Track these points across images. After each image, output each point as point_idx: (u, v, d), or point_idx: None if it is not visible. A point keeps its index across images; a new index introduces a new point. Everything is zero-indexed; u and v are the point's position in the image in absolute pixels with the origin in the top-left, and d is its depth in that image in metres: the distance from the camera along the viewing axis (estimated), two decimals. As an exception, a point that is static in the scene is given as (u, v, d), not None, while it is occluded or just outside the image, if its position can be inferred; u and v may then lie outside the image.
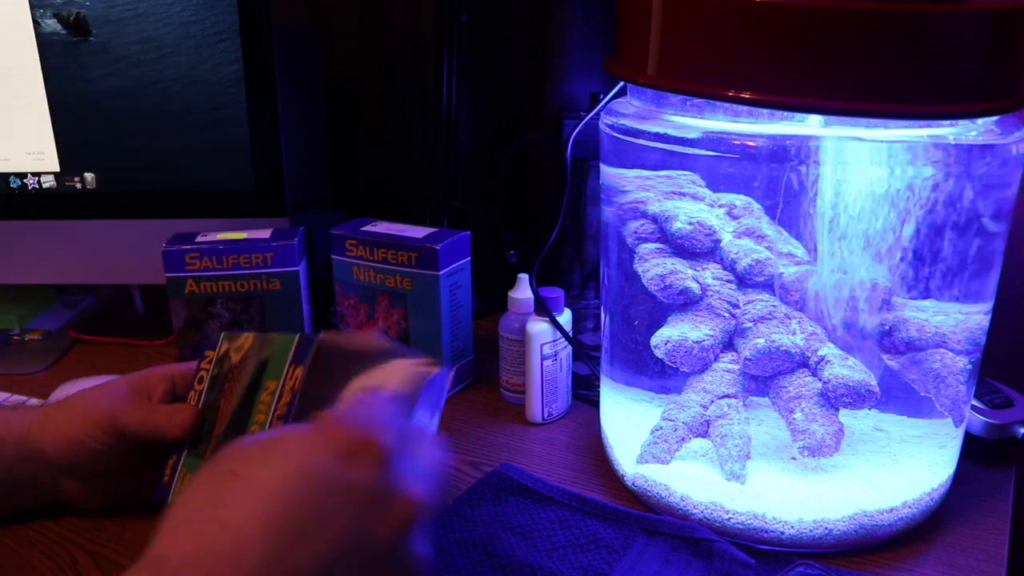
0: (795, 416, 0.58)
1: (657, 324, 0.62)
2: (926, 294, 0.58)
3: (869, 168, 0.53)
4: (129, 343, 0.93)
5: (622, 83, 0.62)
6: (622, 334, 0.67)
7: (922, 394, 0.59)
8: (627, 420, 0.67)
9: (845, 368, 0.57)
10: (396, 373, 0.48)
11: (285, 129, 0.84)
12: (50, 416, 0.58)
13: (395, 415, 0.44)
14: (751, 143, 0.53)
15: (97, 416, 0.57)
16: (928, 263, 0.56)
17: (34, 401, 0.77)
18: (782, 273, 0.60)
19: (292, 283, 0.79)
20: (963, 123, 0.52)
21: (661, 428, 0.61)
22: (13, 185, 0.88)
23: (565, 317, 0.75)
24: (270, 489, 0.37)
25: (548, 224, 0.80)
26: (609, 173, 0.65)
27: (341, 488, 0.38)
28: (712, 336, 0.60)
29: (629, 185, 0.64)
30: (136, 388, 0.59)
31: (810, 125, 0.52)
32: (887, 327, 0.59)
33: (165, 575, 0.34)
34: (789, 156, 0.54)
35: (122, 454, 0.57)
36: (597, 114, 0.64)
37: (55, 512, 0.62)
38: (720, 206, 0.63)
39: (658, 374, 0.64)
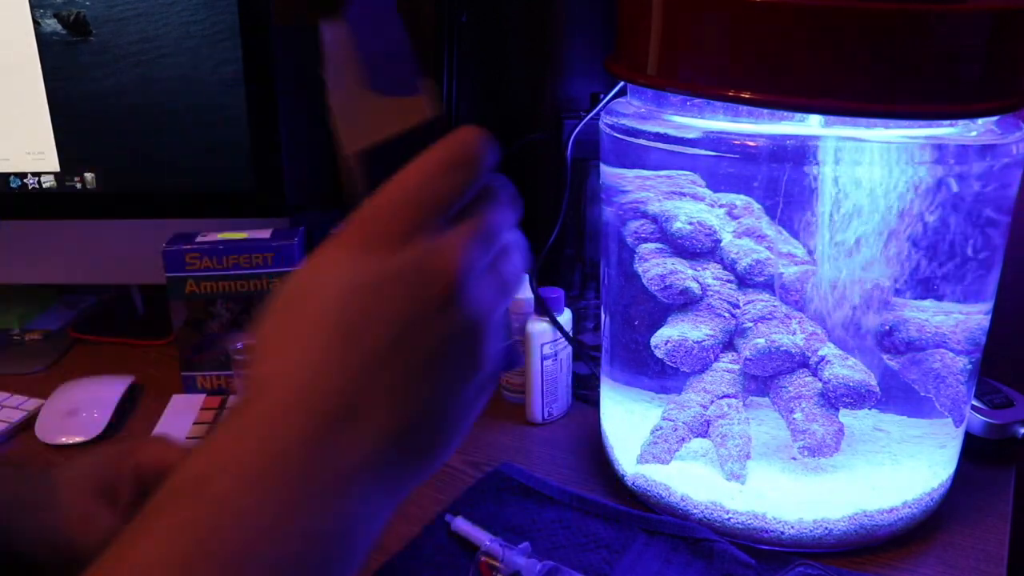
0: (795, 416, 0.58)
1: (657, 324, 0.62)
2: (926, 294, 0.58)
3: (869, 168, 0.53)
4: (129, 343, 0.93)
5: (622, 83, 0.62)
6: (622, 334, 0.67)
7: (922, 394, 0.59)
8: (627, 420, 0.67)
9: (845, 368, 0.57)
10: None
11: (285, 129, 0.84)
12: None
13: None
14: (751, 143, 0.53)
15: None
16: (928, 263, 0.56)
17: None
18: (782, 273, 0.60)
19: (292, 283, 0.79)
20: (963, 123, 0.52)
21: (661, 428, 0.61)
22: (13, 185, 0.88)
23: (565, 317, 0.75)
24: (320, 299, 0.34)
25: (548, 224, 0.80)
26: (609, 173, 0.65)
27: (388, 278, 0.33)
28: (712, 336, 0.60)
29: (629, 185, 0.64)
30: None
31: (810, 125, 0.52)
32: (887, 327, 0.59)
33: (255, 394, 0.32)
34: (789, 156, 0.54)
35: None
36: (597, 114, 0.64)
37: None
38: (720, 206, 0.63)
39: (658, 374, 0.64)
